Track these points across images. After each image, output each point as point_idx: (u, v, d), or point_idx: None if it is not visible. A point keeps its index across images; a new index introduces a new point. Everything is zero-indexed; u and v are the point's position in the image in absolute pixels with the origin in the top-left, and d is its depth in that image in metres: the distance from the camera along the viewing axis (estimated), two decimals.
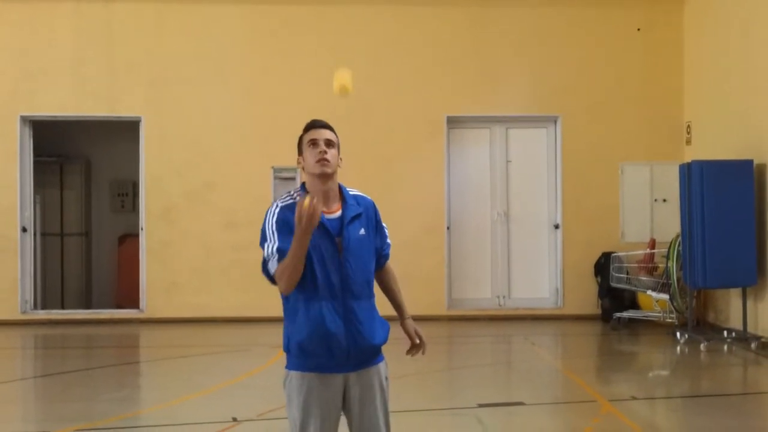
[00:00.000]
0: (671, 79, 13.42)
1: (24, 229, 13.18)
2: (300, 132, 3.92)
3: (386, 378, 3.88)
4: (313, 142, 3.78)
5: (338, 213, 3.78)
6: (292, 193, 3.82)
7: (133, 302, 13.41)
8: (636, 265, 12.64)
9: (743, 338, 10.79)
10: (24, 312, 13.14)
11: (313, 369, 3.73)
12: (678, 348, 10.93)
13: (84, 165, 15.09)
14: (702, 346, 10.65)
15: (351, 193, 3.87)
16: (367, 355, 3.80)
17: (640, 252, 12.70)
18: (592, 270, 13.28)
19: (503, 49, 13.44)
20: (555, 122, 13.53)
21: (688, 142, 13.26)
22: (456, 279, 13.45)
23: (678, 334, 11.26)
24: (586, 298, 13.31)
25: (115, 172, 15.21)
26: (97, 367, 10.16)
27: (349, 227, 3.76)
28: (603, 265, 13.02)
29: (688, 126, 13.26)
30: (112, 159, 15.16)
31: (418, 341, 3.99)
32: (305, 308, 3.68)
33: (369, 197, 3.94)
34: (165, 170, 13.21)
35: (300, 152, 3.85)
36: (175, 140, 13.24)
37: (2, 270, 13.01)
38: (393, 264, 4.09)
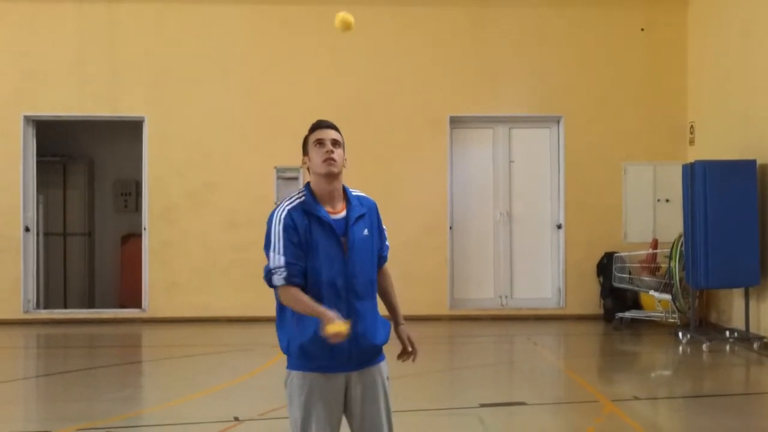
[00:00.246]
0: (674, 79, 13.40)
1: (27, 229, 13.19)
2: (301, 131, 3.93)
3: (387, 377, 3.89)
4: (320, 142, 3.80)
5: (343, 213, 3.80)
6: (297, 193, 3.83)
7: (136, 302, 13.41)
8: (638, 265, 12.63)
9: (745, 338, 10.77)
10: (26, 311, 13.15)
11: (315, 369, 3.73)
12: (680, 348, 10.92)
13: (87, 165, 15.10)
14: (704, 347, 10.64)
15: (354, 193, 3.88)
16: (369, 354, 3.81)
17: (643, 252, 12.69)
18: (594, 270, 13.27)
19: (506, 49, 13.43)
20: (558, 122, 13.52)
21: (691, 142, 13.24)
22: (458, 279, 13.44)
23: (680, 334, 11.24)
24: (589, 298, 13.30)
25: (118, 171, 15.22)
26: (99, 366, 10.17)
27: (353, 227, 3.78)
28: (605, 265, 13.00)
29: (691, 126, 13.24)
30: (115, 159, 15.16)
31: (410, 348, 3.99)
32: None
33: (371, 198, 3.95)
34: (167, 170, 13.22)
35: (305, 152, 3.87)
36: (177, 140, 13.25)
37: (5, 270, 13.02)
38: (395, 264, 4.10)
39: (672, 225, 12.67)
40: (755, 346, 10.49)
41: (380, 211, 3.96)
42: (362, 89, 13.24)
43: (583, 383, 8.83)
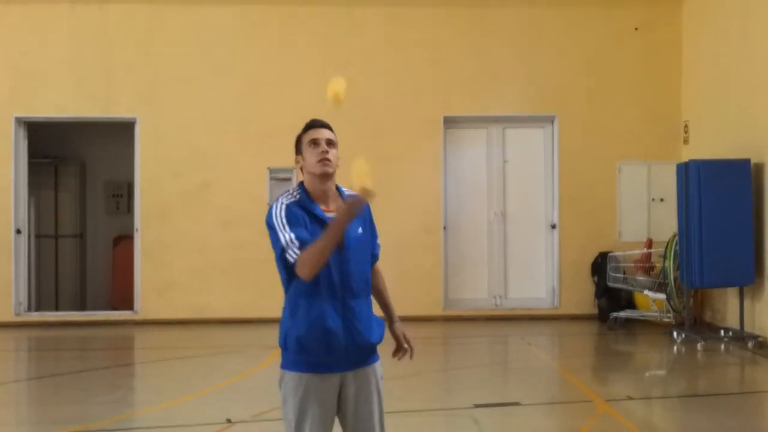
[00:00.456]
0: (669, 78, 13.39)
1: (18, 231, 13.13)
2: (295, 132, 3.90)
3: (381, 378, 3.88)
4: (314, 142, 3.80)
5: None
6: (292, 191, 3.83)
7: (128, 304, 13.36)
8: (633, 264, 12.61)
9: (740, 337, 10.76)
10: (18, 314, 13.09)
11: (310, 369, 3.71)
12: (675, 347, 10.90)
13: (79, 166, 15.03)
14: (699, 346, 10.63)
15: (347, 192, 3.87)
16: (365, 353, 3.80)
17: (637, 251, 12.67)
18: (589, 270, 13.25)
19: (500, 49, 13.41)
20: (552, 122, 13.50)
21: (686, 141, 13.23)
22: (452, 279, 13.41)
23: (675, 333, 11.23)
24: (583, 298, 13.28)
25: (109, 173, 15.15)
26: (91, 369, 10.11)
27: (349, 226, 3.74)
28: (600, 265, 12.99)
29: (686, 125, 13.23)
30: (106, 160, 15.10)
31: (406, 345, 3.98)
32: (306, 305, 3.68)
33: None
34: (160, 171, 13.17)
35: (299, 151, 3.87)
36: (171, 141, 13.20)
37: None
38: (389, 263, 4.09)
39: (666, 224, 12.67)
40: (750, 345, 10.48)
41: (374, 211, 3.96)
42: (356, 90, 13.15)
43: (578, 383, 8.81)
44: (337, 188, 3.87)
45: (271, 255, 3.76)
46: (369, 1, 13.38)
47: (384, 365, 3.90)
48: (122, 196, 15.11)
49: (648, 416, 7.70)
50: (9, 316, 12.98)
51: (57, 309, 14.27)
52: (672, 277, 11.65)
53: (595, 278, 13.13)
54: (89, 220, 15.29)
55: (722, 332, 11.24)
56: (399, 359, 4.01)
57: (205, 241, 13.13)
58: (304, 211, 3.73)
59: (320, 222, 3.72)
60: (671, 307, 11.82)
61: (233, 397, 8.02)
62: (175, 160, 13.17)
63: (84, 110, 13.24)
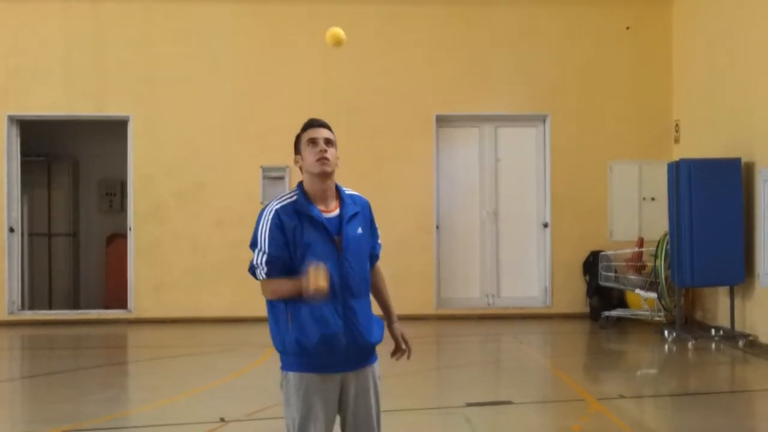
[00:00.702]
0: (660, 77, 13.44)
1: (11, 230, 13.12)
2: (290, 130, 3.92)
3: (378, 377, 3.91)
4: (313, 141, 3.81)
5: (336, 211, 3.81)
6: (290, 192, 3.84)
7: (122, 303, 13.35)
8: (624, 263, 12.67)
9: (731, 336, 10.82)
10: (11, 312, 13.08)
11: (312, 369, 3.73)
12: (666, 346, 10.95)
13: (72, 165, 15.02)
14: (690, 345, 10.68)
15: (347, 192, 3.90)
16: (365, 353, 3.83)
17: (629, 251, 12.72)
18: (580, 269, 13.30)
19: (491, 47, 13.43)
20: (544, 121, 13.54)
21: (677, 140, 13.28)
22: (445, 278, 13.44)
23: (666, 332, 11.28)
24: (575, 297, 13.33)
25: (103, 171, 15.14)
26: (84, 367, 10.12)
27: (347, 226, 3.79)
28: (591, 264, 13.04)
29: (677, 124, 13.28)
30: (100, 159, 15.08)
31: (404, 346, 4.01)
32: (306, 307, 3.67)
33: (364, 197, 3.96)
34: (153, 169, 13.16)
35: (297, 151, 3.87)
36: (164, 139, 13.20)
37: None
38: (382, 263, 4.11)
39: (657, 223, 12.72)
40: (740, 343, 10.54)
41: None
42: (349, 88, 13.22)
43: (569, 382, 8.85)
44: (337, 188, 3.87)
45: None
46: None
47: (380, 364, 3.93)
48: (116, 194, 15.10)
49: (640, 415, 7.74)
50: (2, 315, 12.96)
51: (50, 308, 14.26)
52: (663, 276, 11.70)
53: (587, 277, 13.18)
54: (82, 218, 15.27)
55: (713, 331, 11.29)
56: (397, 359, 4.03)
57: (199, 239, 13.14)
58: (299, 216, 3.73)
59: (317, 224, 3.72)
60: (662, 305, 11.88)
61: (227, 396, 8.04)
62: (168, 158, 13.17)
63: (77, 108, 13.24)
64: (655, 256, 11.91)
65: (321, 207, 3.78)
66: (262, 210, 3.78)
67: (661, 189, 12.33)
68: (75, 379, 9.31)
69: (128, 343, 12.35)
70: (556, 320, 13.13)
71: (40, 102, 13.18)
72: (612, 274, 12.58)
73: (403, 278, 12.73)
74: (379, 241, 4.03)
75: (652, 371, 10.20)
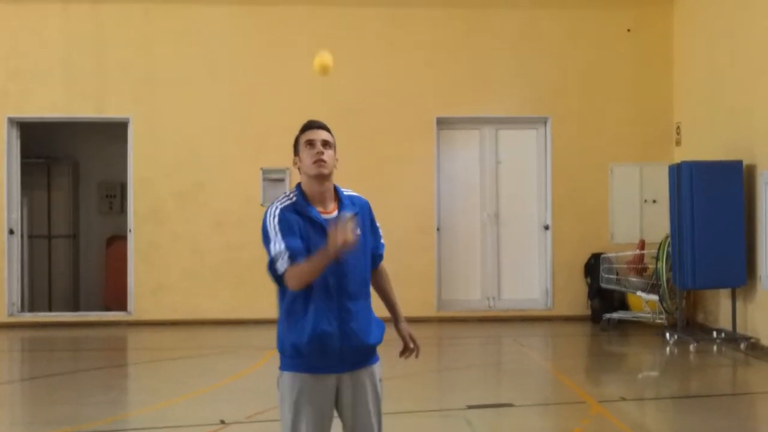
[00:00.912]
0: (661, 79, 13.43)
1: (11, 231, 13.10)
2: (289, 132, 3.90)
3: (380, 379, 3.89)
4: (310, 143, 3.79)
5: (335, 213, 3.80)
6: (288, 194, 3.83)
7: (121, 305, 13.33)
8: (625, 266, 12.64)
9: (732, 339, 10.79)
10: (11, 314, 13.05)
11: (306, 369, 3.72)
12: (667, 349, 10.93)
13: (72, 166, 15.00)
14: (691, 347, 10.65)
15: (346, 193, 3.88)
16: (362, 355, 3.80)
17: (630, 253, 12.70)
18: (581, 271, 13.28)
19: (492, 50, 13.42)
20: (545, 123, 13.53)
21: (678, 142, 13.26)
22: (446, 280, 13.42)
23: (667, 334, 11.26)
24: (576, 299, 13.30)
25: (103, 173, 15.12)
26: (84, 369, 10.10)
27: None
28: (593, 266, 13.01)
29: (678, 127, 13.27)
30: (100, 160, 15.07)
31: (411, 345, 3.99)
32: (301, 309, 3.68)
33: (364, 197, 3.94)
34: (153, 171, 13.15)
35: (296, 152, 3.86)
36: (164, 141, 13.18)
37: None
38: (383, 265, 4.08)
39: (659, 226, 12.69)
40: (742, 346, 10.51)
41: None
42: (350, 90, 13.19)
43: (571, 384, 8.83)
44: (336, 189, 3.86)
45: (264, 256, 3.75)
46: (362, 1, 13.39)
47: (381, 365, 3.90)
48: (115, 196, 15.08)
49: (641, 417, 7.73)
50: (2, 317, 12.93)
51: (50, 309, 14.24)
52: (664, 279, 11.68)
53: (588, 279, 13.15)
54: (82, 220, 15.25)
55: (714, 334, 11.27)
56: (406, 358, 4.00)
57: (199, 241, 13.12)
58: (300, 215, 3.73)
59: (315, 225, 3.72)
60: (664, 308, 11.85)
61: (227, 398, 8.02)
62: (168, 160, 13.15)
63: (77, 110, 13.22)
64: (657, 259, 11.89)
65: (319, 208, 3.78)
66: (266, 212, 3.78)
67: (662, 191, 12.31)
68: (75, 381, 9.29)
69: (128, 345, 12.33)
70: (557, 322, 13.11)
71: (39, 103, 13.16)
72: (613, 277, 12.55)
73: (403, 280, 12.63)
74: (382, 241, 4.01)
75: (654, 374, 10.18)
